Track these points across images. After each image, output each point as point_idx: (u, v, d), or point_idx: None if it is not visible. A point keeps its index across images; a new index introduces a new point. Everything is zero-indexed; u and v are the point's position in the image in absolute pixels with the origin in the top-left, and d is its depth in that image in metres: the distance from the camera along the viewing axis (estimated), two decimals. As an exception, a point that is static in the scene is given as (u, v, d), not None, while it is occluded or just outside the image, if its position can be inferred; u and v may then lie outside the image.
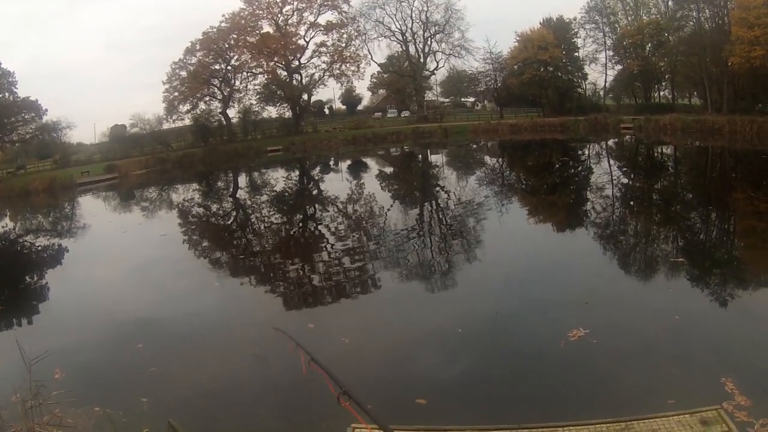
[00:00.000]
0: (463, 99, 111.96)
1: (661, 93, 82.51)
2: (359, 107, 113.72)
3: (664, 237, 18.36)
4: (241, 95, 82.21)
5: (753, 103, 57.82)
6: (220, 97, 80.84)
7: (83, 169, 60.73)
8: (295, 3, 79.93)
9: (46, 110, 65.97)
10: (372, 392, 8.65)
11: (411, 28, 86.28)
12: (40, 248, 25.85)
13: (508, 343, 10.40)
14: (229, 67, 79.77)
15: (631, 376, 8.51)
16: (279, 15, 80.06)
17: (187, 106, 77.76)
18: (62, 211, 42.27)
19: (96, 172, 59.30)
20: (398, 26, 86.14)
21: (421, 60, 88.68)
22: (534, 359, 9.47)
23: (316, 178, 47.07)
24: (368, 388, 8.83)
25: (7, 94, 62.79)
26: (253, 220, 27.98)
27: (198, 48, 77.43)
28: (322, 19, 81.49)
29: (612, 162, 41.62)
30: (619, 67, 78.95)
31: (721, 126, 52.91)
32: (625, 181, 31.35)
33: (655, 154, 46.04)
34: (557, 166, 41.42)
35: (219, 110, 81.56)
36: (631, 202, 25.33)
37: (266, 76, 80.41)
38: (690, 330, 10.02)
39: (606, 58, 79.68)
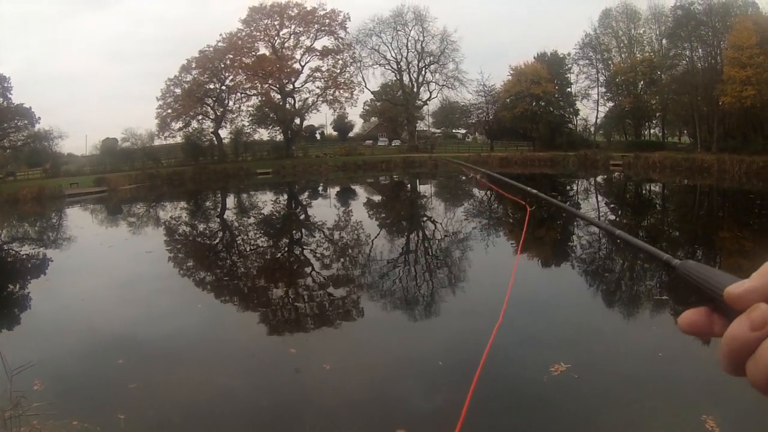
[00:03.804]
0: (454, 130, 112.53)
1: (652, 130, 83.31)
2: (350, 134, 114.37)
3: (650, 274, 18.39)
4: (233, 116, 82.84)
5: (743, 143, 58.44)
6: (212, 116, 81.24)
7: (73, 180, 61.04)
8: (293, 27, 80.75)
9: (39, 118, 66.72)
10: (351, 420, 8.64)
11: (406, 57, 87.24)
12: (24, 257, 25.72)
13: (489, 376, 10.34)
14: (223, 87, 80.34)
15: (611, 412, 8.50)
16: (276, 38, 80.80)
17: (179, 124, 78.16)
18: (49, 221, 42.17)
19: (85, 184, 59.39)
20: (393, 55, 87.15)
21: (415, 89, 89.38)
22: (516, 393, 9.44)
23: (305, 203, 46.98)
24: (347, 415, 8.81)
25: (1, 99, 63.00)
26: (239, 242, 27.86)
27: (194, 66, 77.93)
28: (318, 44, 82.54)
29: (600, 198, 41.78)
30: (610, 103, 79.70)
31: (710, 164, 53.51)
32: (613, 217, 31.47)
33: (643, 192, 46.30)
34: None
35: (211, 130, 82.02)
36: (617, 239, 25.38)
37: (260, 98, 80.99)
38: (673, 367, 10.00)
39: (598, 94, 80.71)
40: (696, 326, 0.89)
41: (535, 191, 2.13)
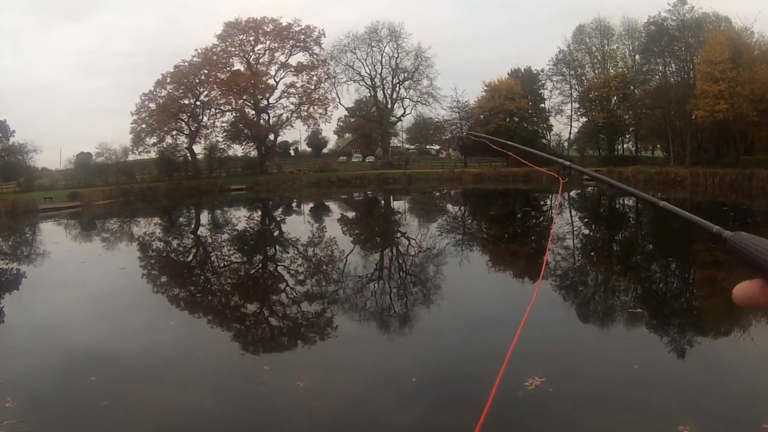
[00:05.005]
0: (428, 146, 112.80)
1: (625, 145, 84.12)
2: (325, 150, 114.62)
3: (624, 287, 18.44)
4: (208, 131, 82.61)
5: (716, 156, 59.23)
6: (187, 132, 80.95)
7: (47, 195, 60.37)
8: (268, 42, 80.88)
9: (14, 131, 66.62)
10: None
11: (380, 74, 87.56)
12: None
13: (463, 391, 10.25)
14: (198, 103, 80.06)
15: (588, 425, 8.45)
16: (251, 53, 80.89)
17: (153, 139, 77.87)
18: (23, 235, 41.69)
19: (59, 199, 58.82)
20: (368, 71, 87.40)
21: (389, 106, 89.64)
22: (491, 408, 9.34)
23: (279, 219, 46.81)
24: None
25: (-25, 113, 62.64)
26: (212, 259, 27.60)
27: (168, 81, 77.73)
28: (293, 60, 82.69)
29: (573, 213, 41.93)
30: (584, 119, 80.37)
31: (683, 178, 54.26)
32: (586, 231, 31.62)
33: (617, 206, 46.54)
34: (519, 215, 41.65)
35: (185, 145, 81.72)
36: (592, 253, 25.48)
37: (234, 114, 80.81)
38: (648, 379, 9.96)
39: (572, 109, 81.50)
40: (751, 298, 0.90)
41: (568, 163, 2.15)
